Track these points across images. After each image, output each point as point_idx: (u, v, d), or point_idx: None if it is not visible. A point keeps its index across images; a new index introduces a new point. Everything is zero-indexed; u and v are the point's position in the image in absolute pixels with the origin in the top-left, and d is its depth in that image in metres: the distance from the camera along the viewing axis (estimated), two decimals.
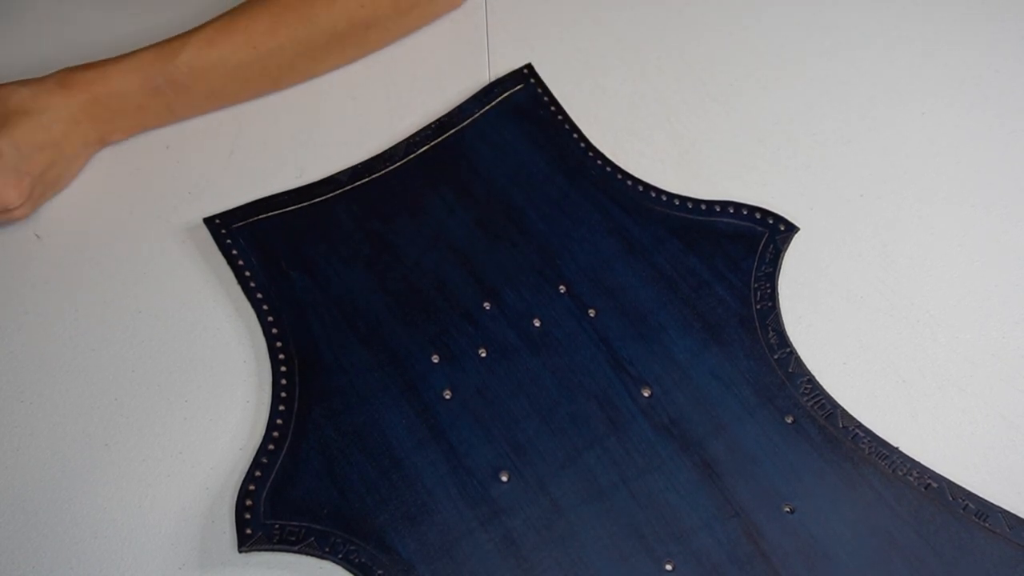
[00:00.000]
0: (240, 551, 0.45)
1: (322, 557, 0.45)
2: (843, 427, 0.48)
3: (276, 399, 0.50)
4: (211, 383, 0.52)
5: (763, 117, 0.61)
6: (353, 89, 0.65)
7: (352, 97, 0.64)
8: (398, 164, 0.60)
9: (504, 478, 0.48)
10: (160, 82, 0.58)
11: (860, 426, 0.48)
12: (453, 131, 0.61)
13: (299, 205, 0.58)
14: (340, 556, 0.45)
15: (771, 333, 0.51)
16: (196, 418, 0.51)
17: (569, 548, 0.45)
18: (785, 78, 0.63)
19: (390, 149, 0.60)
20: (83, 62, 0.58)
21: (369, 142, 0.61)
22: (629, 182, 0.58)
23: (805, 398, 0.49)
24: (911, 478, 0.46)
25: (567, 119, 0.61)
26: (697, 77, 0.63)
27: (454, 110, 0.62)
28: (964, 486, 0.45)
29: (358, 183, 0.59)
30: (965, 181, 0.57)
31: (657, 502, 0.46)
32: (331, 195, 0.58)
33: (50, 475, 0.49)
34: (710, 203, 0.56)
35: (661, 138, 0.60)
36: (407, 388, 0.51)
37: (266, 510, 0.47)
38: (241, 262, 0.56)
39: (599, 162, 0.59)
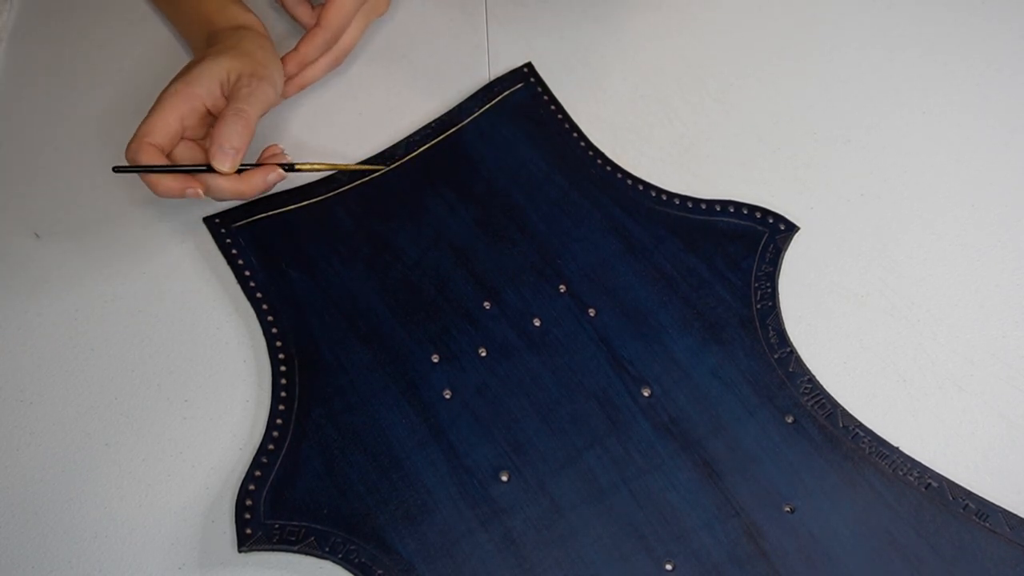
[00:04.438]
0: (240, 551, 0.45)
1: (322, 557, 0.45)
2: (843, 427, 0.48)
3: (276, 399, 0.50)
4: (211, 383, 0.52)
5: (763, 117, 0.61)
6: (353, 88, 0.65)
7: (352, 96, 0.64)
8: (398, 163, 0.60)
9: (504, 478, 0.48)
10: None
11: (860, 426, 0.48)
12: (453, 130, 0.61)
13: (299, 204, 0.58)
14: (340, 556, 0.45)
15: (771, 333, 0.51)
16: (196, 418, 0.51)
17: (569, 548, 0.45)
18: (785, 78, 0.62)
19: (390, 148, 0.60)
20: None
21: (369, 141, 0.61)
22: (629, 181, 0.58)
23: (805, 398, 0.49)
24: (911, 478, 0.46)
25: (567, 118, 0.61)
26: (697, 77, 0.63)
27: (454, 109, 0.62)
28: (964, 486, 0.45)
29: (358, 182, 0.59)
30: (965, 181, 0.57)
31: (657, 502, 0.46)
32: (331, 194, 0.58)
33: (50, 475, 0.49)
34: (710, 202, 0.56)
35: (661, 138, 0.60)
36: (407, 388, 0.50)
37: (266, 510, 0.47)
38: (241, 261, 0.56)
39: (599, 161, 0.59)
